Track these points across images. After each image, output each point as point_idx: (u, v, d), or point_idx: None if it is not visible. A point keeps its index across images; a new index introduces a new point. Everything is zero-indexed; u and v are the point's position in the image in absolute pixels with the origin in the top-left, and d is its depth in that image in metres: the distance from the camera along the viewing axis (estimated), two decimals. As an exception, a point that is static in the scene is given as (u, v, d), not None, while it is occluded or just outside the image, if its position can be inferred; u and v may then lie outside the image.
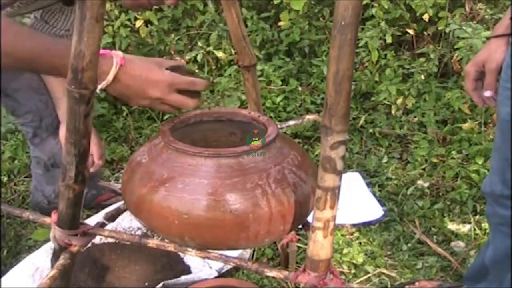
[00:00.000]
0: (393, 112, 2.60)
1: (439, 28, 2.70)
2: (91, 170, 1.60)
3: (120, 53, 1.10)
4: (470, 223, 2.05)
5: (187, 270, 1.74)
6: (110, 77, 1.07)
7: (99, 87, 1.05)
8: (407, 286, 1.75)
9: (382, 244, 1.96)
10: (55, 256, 1.22)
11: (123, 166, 2.38)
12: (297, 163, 1.13)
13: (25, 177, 2.32)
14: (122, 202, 1.33)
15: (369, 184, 2.25)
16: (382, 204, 2.13)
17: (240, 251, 1.72)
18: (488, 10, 2.76)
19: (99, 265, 1.72)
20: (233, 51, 2.84)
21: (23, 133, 1.99)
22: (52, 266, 1.20)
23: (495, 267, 1.44)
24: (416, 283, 1.73)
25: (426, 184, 2.24)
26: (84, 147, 1.05)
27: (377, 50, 2.67)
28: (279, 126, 1.34)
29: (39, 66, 1.10)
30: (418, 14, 2.71)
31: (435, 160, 2.33)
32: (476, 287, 1.53)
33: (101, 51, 1.06)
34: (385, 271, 1.84)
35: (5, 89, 1.78)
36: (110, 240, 1.75)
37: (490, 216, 1.44)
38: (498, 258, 1.42)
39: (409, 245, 1.95)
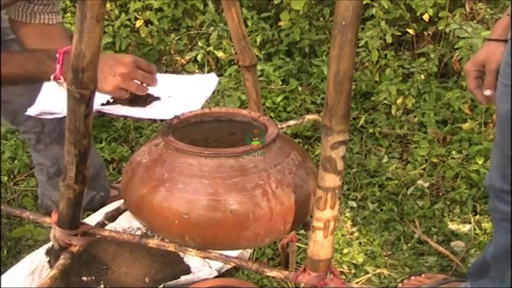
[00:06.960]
0: (393, 112, 2.60)
1: (439, 28, 2.70)
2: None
3: None
4: (470, 223, 2.05)
5: (187, 270, 1.74)
6: None
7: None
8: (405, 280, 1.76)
9: (382, 244, 1.95)
10: (55, 256, 1.22)
11: (123, 166, 2.38)
12: (297, 163, 1.13)
13: (25, 177, 2.32)
14: (122, 202, 1.33)
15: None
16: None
17: (240, 251, 1.72)
18: (488, 10, 2.76)
19: (99, 263, 1.73)
20: (233, 51, 2.84)
21: (25, 140, 1.95)
22: (52, 266, 1.20)
23: (496, 263, 1.44)
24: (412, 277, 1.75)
25: (426, 184, 2.24)
26: (84, 147, 1.05)
27: (377, 50, 2.67)
28: (279, 126, 1.34)
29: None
30: (418, 14, 2.71)
31: (435, 160, 2.33)
32: (477, 283, 1.53)
33: (65, 48, 1.27)
34: (385, 271, 1.84)
35: (4, 96, 1.75)
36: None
37: (492, 211, 1.44)
38: (499, 253, 1.42)
39: (409, 245, 1.95)
